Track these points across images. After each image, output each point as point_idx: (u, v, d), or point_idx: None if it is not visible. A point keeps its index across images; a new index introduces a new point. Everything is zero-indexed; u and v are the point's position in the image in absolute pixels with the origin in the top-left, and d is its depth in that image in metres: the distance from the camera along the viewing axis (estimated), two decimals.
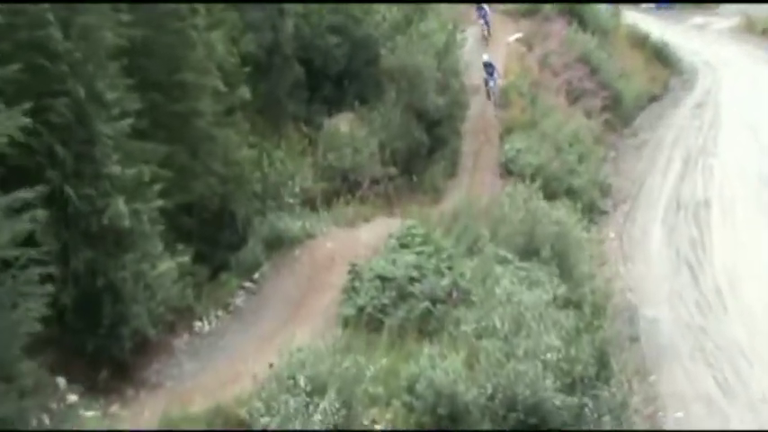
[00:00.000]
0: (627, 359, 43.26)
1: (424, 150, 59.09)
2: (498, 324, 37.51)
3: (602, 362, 38.36)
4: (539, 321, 37.67)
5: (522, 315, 37.64)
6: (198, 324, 40.58)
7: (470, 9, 76.31)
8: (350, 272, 41.80)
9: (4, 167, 28.96)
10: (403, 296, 40.32)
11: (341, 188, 52.69)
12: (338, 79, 57.10)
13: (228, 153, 44.24)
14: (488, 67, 63.70)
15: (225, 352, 38.84)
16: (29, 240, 29.04)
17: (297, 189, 48.58)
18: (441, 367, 33.49)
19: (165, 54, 40.91)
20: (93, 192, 32.91)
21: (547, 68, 71.55)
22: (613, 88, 72.88)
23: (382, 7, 60.31)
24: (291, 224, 45.55)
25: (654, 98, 79.52)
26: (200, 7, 42.97)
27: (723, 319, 47.70)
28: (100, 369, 34.67)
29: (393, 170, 55.95)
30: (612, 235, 57.61)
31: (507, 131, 62.87)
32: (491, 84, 64.22)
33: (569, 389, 34.87)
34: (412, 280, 40.85)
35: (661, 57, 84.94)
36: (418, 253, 42.41)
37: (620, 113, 73.36)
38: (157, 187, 37.43)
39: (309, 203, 49.98)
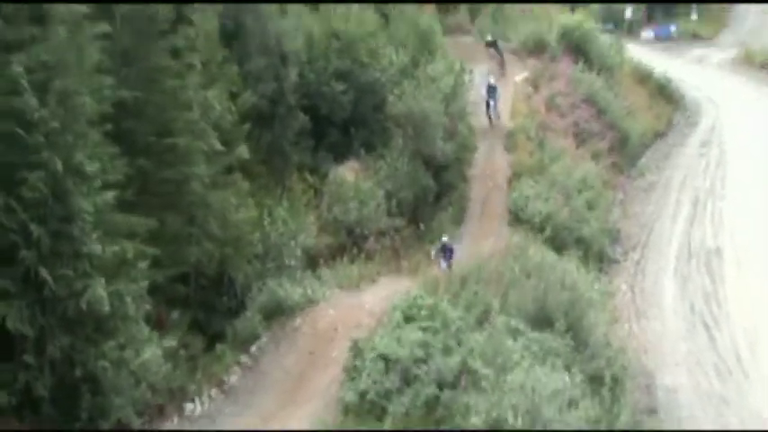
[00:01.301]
0: None
1: (431, 197, 54.28)
2: (511, 418, 31.61)
3: None
4: (554, 415, 31.66)
5: (538, 408, 31.18)
6: (189, 406, 35.13)
7: (478, 48, 72.46)
8: (351, 348, 36.07)
9: None
10: (408, 380, 34.61)
11: (346, 242, 47.76)
12: (344, 126, 52.72)
13: (226, 216, 39.28)
14: (492, 90, 61.33)
15: None
16: (1, 327, 26.43)
17: (299, 251, 43.66)
18: None
19: (156, 116, 36.15)
20: (70, 273, 28.33)
21: (554, 109, 66.45)
22: (620, 128, 68.11)
23: (389, 50, 56.27)
24: (292, 291, 40.14)
25: (659, 135, 74.52)
26: (196, 63, 38.45)
27: (744, 387, 42.47)
28: None
29: (399, 221, 51.22)
30: (624, 287, 52.35)
31: (516, 176, 57.57)
32: (492, 104, 61.25)
33: None
34: (417, 361, 35.08)
35: (665, 93, 79.78)
36: (424, 329, 36.64)
37: (626, 153, 68.28)
38: (143, 265, 32.51)
39: (313, 262, 45.22)
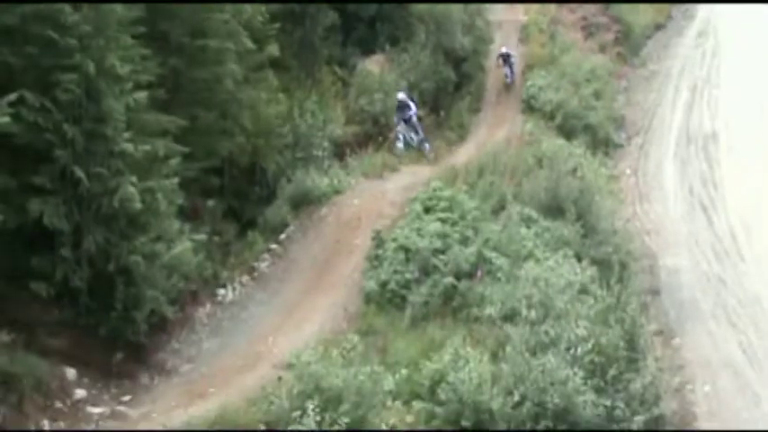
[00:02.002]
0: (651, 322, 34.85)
1: (450, 87, 51.56)
2: (525, 310, 28.82)
3: (632, 345, 29.53)
4: (566, 306, 28.92)
5: (550, 299, 28.89)
6: (221, 292, 32.28)
7: None
8: (373, 238, 33.39)
9: (10, 148, 23.99)
10: (426, 269, 31.70)
11: (372, 132, 44.83)
12: (371, 22, 49.36)
13: (257, 110, 36.19)
14: (507, 57, 54.29)
15: (246, 326, 30.75)
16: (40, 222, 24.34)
17: (326, 142, 40.71)
18: (464, 370, 25.39)
19: (188, 18, 32.67)
20: (104, 171, 25.87)
21: (564, 5, 62.30)
22: (624, 21, 64.21)
23: None
24: (319, 181, 37.13)
25: (659, 27, 69.85)
26: None
27: (741, 267, 39.43)
28: (115, 351, 27.45)
29: (421, 113, 47.24)
30: (628, 171, 49.25)
31: (528, 68, 54.74)
32: (508, 72, 54.70)
33: (600, 387, 26.77)
34: (436, 252, 32.24)
35: None
36: (443, 220, 33.84)
37: (630, 45, 64.45)
38: (174, 161, 29.72)
39: (340, 152, 42.33)
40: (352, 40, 48.49)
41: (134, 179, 26.42)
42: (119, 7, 26.74)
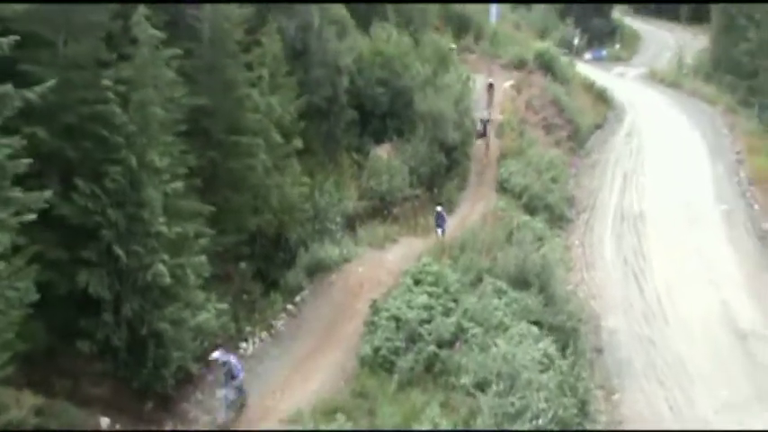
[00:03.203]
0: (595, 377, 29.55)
1: (443, 170, 45.41)
2: (495, 383, 23.72)
3: (584, 412, 24.76)
4: (530, 378, 22.72)
5: (517, 372, 22.60)
6: (243, 345, 26.95)
7: (480, 62, 63.81)
8: (371, 306, 27.98)
9: (65, 226, 21.35)
10: (413, 338, 26.29)
11: (379, 206, 39.30)
12: (382, 118, 43.91)
13: (283, 192, 30.72)
14: (484, 123, 49.80)
15: (261, 381, 25.39)
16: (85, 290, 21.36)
17: (338, 218, 34.80)
18: None
19: (226, 117, 27.80)
20: (141, 249, 22.05)
21: (530, 108, 57.57)
22: (574, 122, 59.19)
23: (417, 64, 46.95)
24: (331, 251, 31.58)
25: (598, 126, 63.80)
26: (265, 75, 30.31)
27: (666, 331, 33.71)
28: (146, 401, 23.18)
29: (418, 191, 42.38)
30: (577, 242, 43.17)
31: (502, 157, 48.83)
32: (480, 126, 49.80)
33: None
34: (422, 322, 26.86)
35: (602, 97, 69.77)
36: (429, 294, 28.32)
37: (578, 140, 58.53)
38: (203, 240, 25.04)
39: (352, 222, 36.61)
40: (367, 131, 43.03)
41: (166, 257, 22.39)
42: (159, 111, 22.74)
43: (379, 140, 43.31)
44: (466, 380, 23.40)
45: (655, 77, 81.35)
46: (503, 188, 45.12)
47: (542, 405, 22.19)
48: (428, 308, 26.64)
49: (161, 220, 22.46)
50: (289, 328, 27.47)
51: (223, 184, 27.17)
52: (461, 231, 35.68)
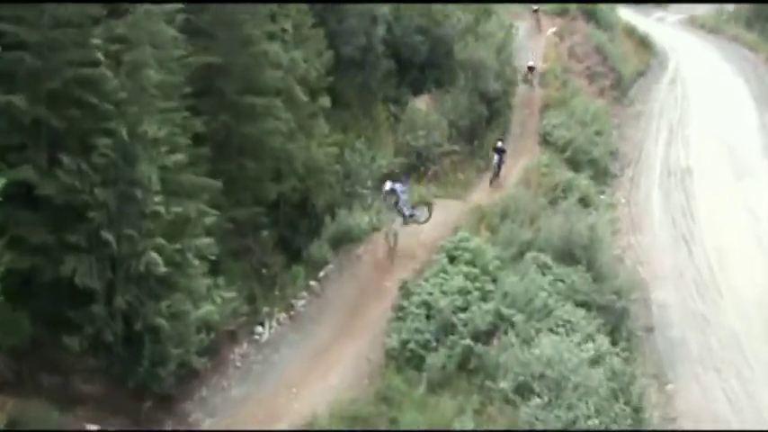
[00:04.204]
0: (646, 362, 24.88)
1: (483, 122, 40.18)
2: (537, 387, 18.16)
3: (639, 418, 19.87)
4: (577, 384, 18.42)
5: (564, 377, 17.06)
6: (259, 330, 22.02)
7: (523, 8, 56.77)
8: (401, 288, 23.16)
9: (50, 207, 16.78)
10: (446, 328, 21.34)
11: (416, 163, 34.10)
12: (421, 68, 38.54)
13: (309, 154, 25.62)
14: (532, 69, 44.37)
15: (275, 372, 20.68)
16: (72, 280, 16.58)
17: (369, 182, 29.33)
18: None
19: (243, 75, 22.49)
20: (134, 233, 17.38)
21: (573, 57, 51.85)
22: (617, 70, 53.31)
23: (457, 12, 41.81)
24: (360, 219, 26.59)
25: (641, 74, 57.27)
26: (288, 27, 25.36)
27: (720, 303, 28.76)
28: (144, 400, 18.40)
29: (458, 146, 36.94)
30: (623, 200, 37.99)
31: (545, 107, 43.53)
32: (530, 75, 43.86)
33: None
34: (456, 309, 21.87)
35: (644, 43, 62.89)
36: (465, 275, 23.25)
37: (621, 89, 52.39)
38: (209, 220, 19.90)
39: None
40: (405, 82, 37.62)
41: (163, 241, 17.82)
42: (153, 74, 18.12)
43: (417, 92, 38.17)
44: (504, 384, 18.40)
45: (695, 23, 73.86)
46: (546, 141, 40.06)
47: (593, 420, 17.13)
48: (463, 292, 21.89)
49: (157, 199, 17.93)
50: (310, 308, 22.85)
51: (238, 151, 22.47)
52: (501, 194, 30.24)
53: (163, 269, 17.74)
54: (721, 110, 48.18)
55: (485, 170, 36.08)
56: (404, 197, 25.29)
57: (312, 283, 23.84)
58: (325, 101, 26.48)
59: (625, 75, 52.45)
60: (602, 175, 38.55)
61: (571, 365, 18.42)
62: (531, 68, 44.18)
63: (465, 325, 20.69)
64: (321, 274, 24.16)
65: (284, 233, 25.90)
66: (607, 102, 47.03)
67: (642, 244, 32.36)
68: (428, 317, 21.03)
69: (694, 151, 42.74)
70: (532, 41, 50.11)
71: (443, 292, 21.56)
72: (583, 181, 35.28)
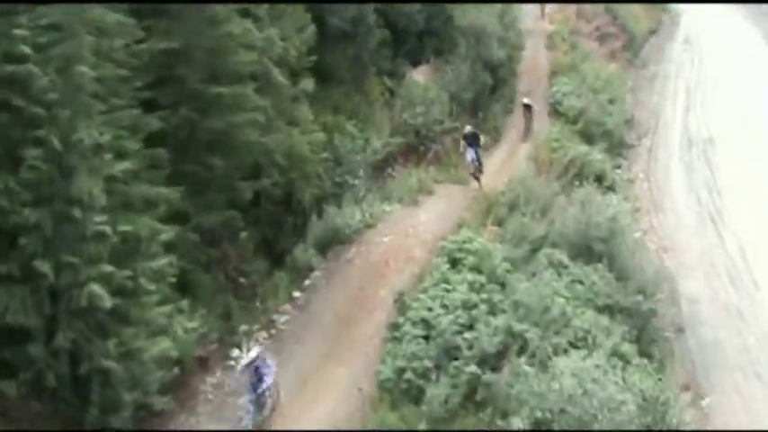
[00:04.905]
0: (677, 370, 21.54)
1: (487, 91, 37.05)
2: (557, 426, 15.71)
3: None
4: (604, 419, 15.62)
5: (586, 412, 14.20)
6: (235, 353, 18.49)
7: None
8: (396, 301, 19.92)
9: None
10: (448, 351, 18.20)
11: (414, 143, 31.00)
12: (419, 36, 34.99)
13: (291, 144, 22.58)
14: (529, 107, 35.54)
15: None
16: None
17: (361, 170, 26.30)
18: None
19: (205, 62, 19.23)
20: (75, 259, 14.21)
21: (582, 17, 48.02)
22: (629, 30, 49.40)
23: None
24: (350, 216, 23.46)
25: (652, 32, 53.07)
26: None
27: (756, 296, 25.34)
28: None
29: (459, 123, 32.62)
30: (641, 175, 34.52)
31: (554, 73, 40.17)
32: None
33: None
34: (461, 327, 18.71)
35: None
36: (470, 284, 20.09)
37: (633, 49, 48.62)
38: (166, 236, 16.66)
39: (380, 167, 28.48)
40: (401, 52, 34.26)
41: (110, 267, 14.81)
42: (91, 67, 14.86)
43: (415, 62, 34.90)
44: (518, 421, 15.32)
45: None
46: (555, 111, 36.84)
47: None
48: (468, 306, 18.88)
49: (100, 218, 14.93)
50: (293, 325, 19.97)
51: (204, 149, 19.39)
52: (509, 176, 27.26)
53: (108, 304, 14.77)
54: (740, 69, 44.64)
55: (491, 145, 32.57)
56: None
57: (296, 293, 20.76)
58: (308, 83, 23.27)
59: (637, 34, 48.70)
60: (617, 147, 35.34)
61: (597, 401, 15.19)
62: (527, 106, 35.87)
63: (470, 347, 17.66)
64: (306, 282, 21.20)
65: (266, 234, 22.89)
66: (619, 65, 43.44)
67: (665, 226, 29.27)
68: (427, 338, 18.01)
69: (715, 118, 39.32)
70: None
71: (444, 307, 18.56)
72: (597, 155, 32.17)
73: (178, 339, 16.26)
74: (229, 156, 19.77)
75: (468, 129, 28.80)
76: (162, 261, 16.05)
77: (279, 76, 21.88)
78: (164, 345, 15.74)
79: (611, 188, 30.39)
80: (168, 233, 16.23)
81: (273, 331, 19.73)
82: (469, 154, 28.51)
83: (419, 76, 33.99)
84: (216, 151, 19.47)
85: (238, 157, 20.09)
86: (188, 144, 18.97)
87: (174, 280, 16.65)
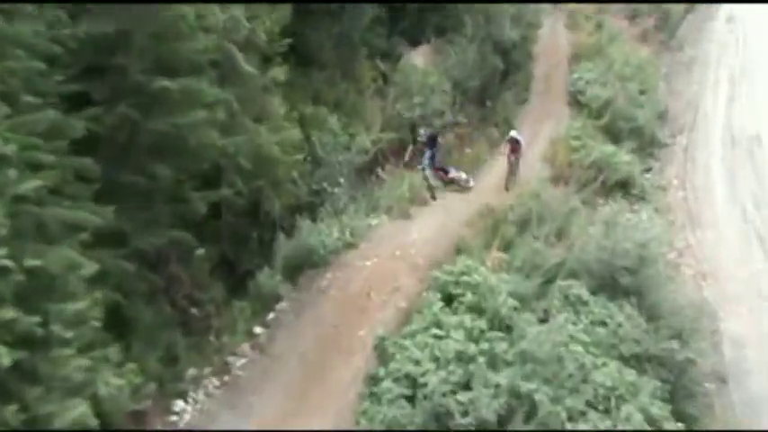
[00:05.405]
0: None
1: (498, 77, 35.13)
2: None
3: None
4: None
5: None
6: (180, 406, 17.18)
7: None
8: (376, 347, 18.19)
9: None
10: (438, 417, 16.29)
11: (408, 139, 28.71)
12: (419, 12, 33.02)
13: (257, 146, 20.37)
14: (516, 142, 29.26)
15: None
16: None
17: (341, 177, 24.32)
18: None
19: (151, 50, 17.06)
20: None
21: None
22: (663, 7, 46.70)
23: None
24: (327, 233, 21.73)
25: (690, 9, 49.62)
26: None
27: None
28: None
29: (463, 116, 31.70)
30: (676, 181, 32.45)
31: (575, 57, 38.63)
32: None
33: None
34: (454, 387, 16.73)
35: None
36: (468, 331, 18.10)
37: (668, 28, 46.26)
38: (86, 271, 14.16)
39: (368, 169, 26.77)
40: (397, 30, 32.42)
41: (12, 312, 12.64)
42: None
43: (414, 42, 32.97)
44: None
45: None
46: (576, 101, 35.28)
47: None
48: (464, 360, 16.93)
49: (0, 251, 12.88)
50: (252, 371, 18.11)
51: (147, 155, 16.94)
52: (520, 188, 25.22)
53: (7, 357, 12.78)
54: None
55: (500, 143, 30.69)
56: None
57: (257, 329, 18.85)
58: (279, 71, 21.26)
59: (672, 11, 46.18)
60: (647, 146, 33.68)
61: None
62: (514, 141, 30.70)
63: (465, 413, 15.68)
64: (271, 316, 19.29)
65: (226, 252, 21.11)
66: (652, 47, 41.37)
67: (704, 245, 27.45)
68: (412, 398, 15.99)
69: (763, 111, 36.91)
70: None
71: (435, 360, 16.58)
72: (624, 157, 30.51)
73: (102, 399, 14.21)
74: (179, 162, 17.75)
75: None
76: (81, 303, 14.02)
77: (244, 64, 19.77)
78: (80, 409, 13.71)
79: (639, 197, 28.43)
80: (91, 267, 14.17)
81: (227, 378, 17.67)
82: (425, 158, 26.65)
83: (418, 58, 32.11)
84: (162, 157, 17.42)
85: (191, 162, 18.04)
86: (127, 149, 16.89)
87: (97, 324, 14.56)
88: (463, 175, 27.32)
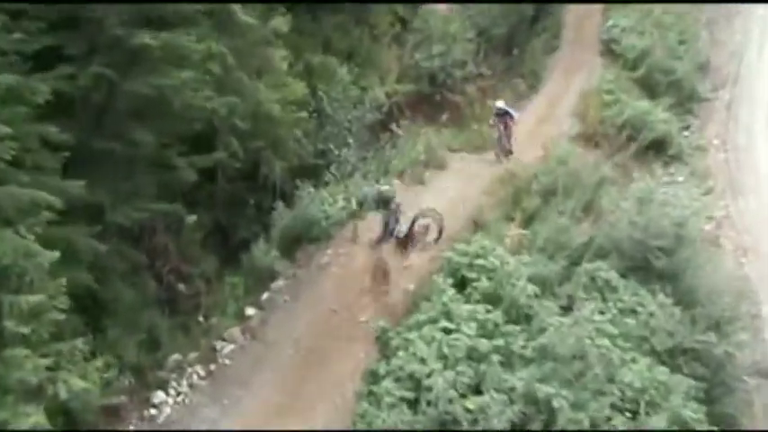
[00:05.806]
0: None
1: (526, 23, 33.23)
2: None
3: None
4: None
5: None
6: (160, 397, 15.91)
7: None
8: (378, 338, 16.47)
9: None
10: (443, 425, 14.67)
11: (428, 93, 27.57)
12: None
13: (256, 104, 18.98)
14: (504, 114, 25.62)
15: None
16: None
17: (351, 138, 22.81)
18: None
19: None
20: None
21: None
22: None
23: None
24: (330, 203, 20.05)
25: None
26: None
27: None
28: None
29: (486, 68, 29.80)
30: (716, 141, 30.04)
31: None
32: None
33: None
34: (464, 390, 15.05)
35: None
36: (480, 324, 16.29)
37: None
38: (47, 259, 12.73)
39: (383, 126, 25.16)
40: None
41: None
42: None
43: None
44: None
45: None
46: (610, 51, 32.81)
47: None
48: (476, 358, 15.28)
49: None
50: (241, 360, 16.68)
51: (127, 118, 15.27)
52: (545, 144, 23.43)
53: None
54: None
55: (526, 95, 29.02)
56: None
57: (250, 311, 17.24)
58: (282, 21, 19.49)
59: None
60: (686, 101, 31.41)
61: None
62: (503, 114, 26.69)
63: (475, 421, 14.05)
64: (265, 296, 17.63)
65: (220, 219, 19.74)
66: None
67: (746, 215, 25.48)
68: (415, 402, 14.40)
69: None
70: None
71: (442, 357, 14.92)
72: (661, 115, 28.62)
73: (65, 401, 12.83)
74: (163, 125, 16.17)
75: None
76: (40, 295, 12.52)
77: (241, 14, 18.04)
78: (35, 417, 12.27)
79: (676, 158, 26.60)
80: (51, 254, 12.64)
81: (213, 367, 16.17)
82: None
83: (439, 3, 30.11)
84: (143, 120, 15.82)
85: (177, 125, 16.45)
86: (103, 112, 15.25)
87: (61, 315, 13.07)
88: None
